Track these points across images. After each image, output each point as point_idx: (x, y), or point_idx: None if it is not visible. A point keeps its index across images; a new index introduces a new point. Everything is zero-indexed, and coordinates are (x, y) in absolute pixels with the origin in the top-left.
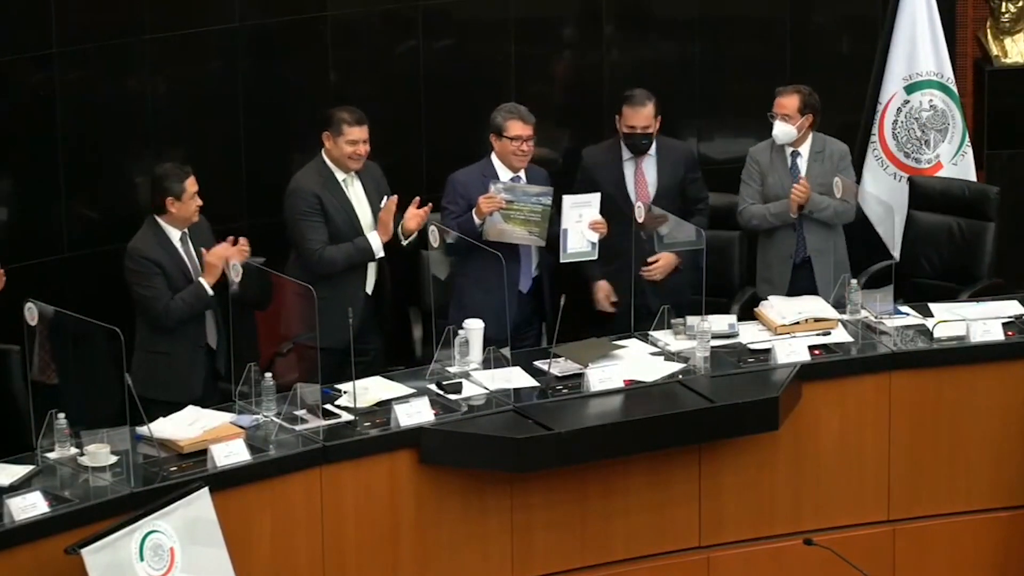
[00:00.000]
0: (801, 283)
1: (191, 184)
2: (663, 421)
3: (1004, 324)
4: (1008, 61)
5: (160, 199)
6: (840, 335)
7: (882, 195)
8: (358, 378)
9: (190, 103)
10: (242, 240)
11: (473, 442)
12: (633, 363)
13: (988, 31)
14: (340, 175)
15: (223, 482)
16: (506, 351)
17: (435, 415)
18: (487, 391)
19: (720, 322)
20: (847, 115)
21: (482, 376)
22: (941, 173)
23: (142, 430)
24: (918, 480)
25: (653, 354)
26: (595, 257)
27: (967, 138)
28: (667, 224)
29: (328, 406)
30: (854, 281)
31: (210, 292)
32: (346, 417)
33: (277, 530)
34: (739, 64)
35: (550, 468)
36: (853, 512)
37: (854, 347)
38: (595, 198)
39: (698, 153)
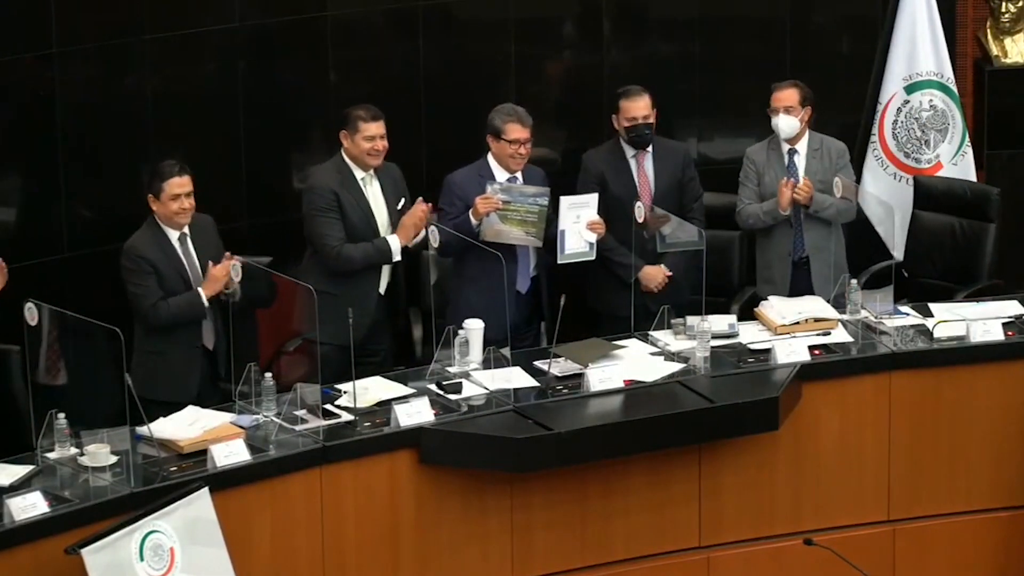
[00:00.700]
0: (800, 282)
1: (174, 185)
2: (663, 421)
3: (1004, 324)
4: (1008, 61)
5: (145, 196)
6: (840, 335)
7: (882, 195)
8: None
9: (190, 103)
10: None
11: (473, 442)
12: (633, 363)
13: (988, 31)
14: (359, 173)
15: (223, 482)
16: (506, 351)
17: (435, 415)
18: (487, 391)
19: (720, 322)
20: (847, 115)
21: (482, 376)
22: (941, 173)
23: (142, 430)
24: (918, 480)
25: (653, 354)
26: (592, 257)
27: (967, 138)
28: (670, 224)
29: (328, 406)
30: (854, 281)
31: (206, 304)
32: (346, 417)
33: (277, 530)
34: (739, 64)
35: (550, 468)
36: (853, 512)
37: (854, 347)
38: (593, 199)
39: (698, 153)
